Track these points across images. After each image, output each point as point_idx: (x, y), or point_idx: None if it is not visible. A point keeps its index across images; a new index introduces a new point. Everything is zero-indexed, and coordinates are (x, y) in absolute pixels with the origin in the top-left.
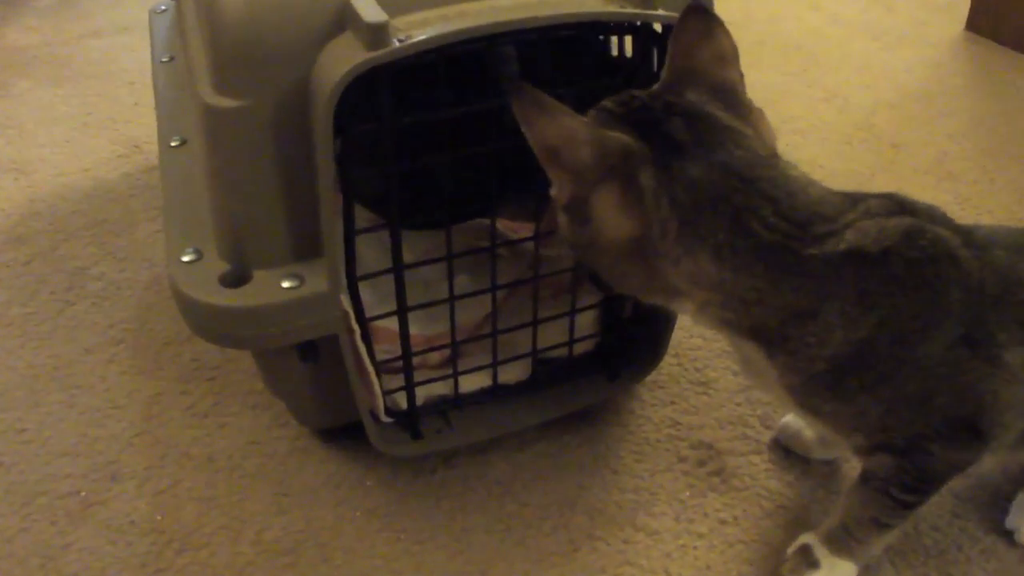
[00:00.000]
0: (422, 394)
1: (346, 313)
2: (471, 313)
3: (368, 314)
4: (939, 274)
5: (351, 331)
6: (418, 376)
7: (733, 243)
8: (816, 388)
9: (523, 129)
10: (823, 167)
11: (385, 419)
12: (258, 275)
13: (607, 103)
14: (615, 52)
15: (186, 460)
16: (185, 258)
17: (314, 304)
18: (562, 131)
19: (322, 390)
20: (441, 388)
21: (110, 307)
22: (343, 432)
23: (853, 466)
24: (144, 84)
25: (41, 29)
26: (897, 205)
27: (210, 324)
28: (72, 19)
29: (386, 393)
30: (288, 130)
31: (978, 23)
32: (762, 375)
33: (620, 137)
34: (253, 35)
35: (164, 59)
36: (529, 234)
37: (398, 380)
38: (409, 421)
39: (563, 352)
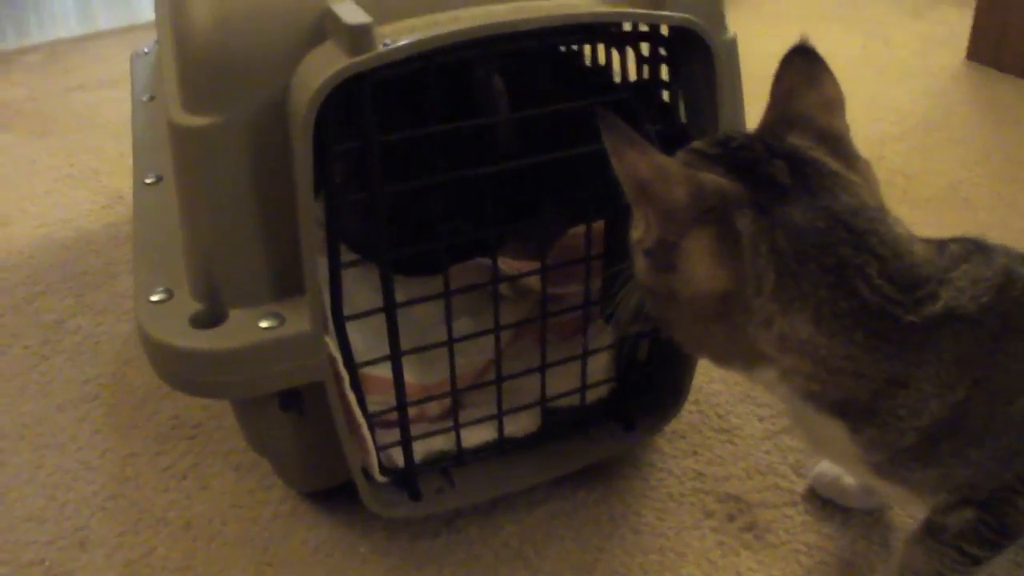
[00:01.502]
0: (421, 450)
1: (332, 358)
2: (472, 359)
3: (358, 360)
4: None
5: (339, 378)
6: (415, 430)
7: (835, 302)
8: (904, 460)
9: (613, 161)
10: None
11: (380, 478)
12: (234, 315)
13: (699, 144)
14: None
15: (161, 526)
16: (154, 298)
17: (296, 346)
18: (654, 167)
19: (309, 447)
20: (441, 443)
21: (86, 362)
22: (334, 494)
23: (899, 514)
24: (129, 135)
25: (27, 83)
26: (975, 246)
27: (180, 370)
28: (58, 73)
29: (380, 449)
30: (265, 150)
31: (978, 52)
32: (839, 453)
33: (716, 178)
34: (223, 44)
35: (144, 98)
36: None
37: (393, 434)
38: (406, 480)
39: (575, 400)
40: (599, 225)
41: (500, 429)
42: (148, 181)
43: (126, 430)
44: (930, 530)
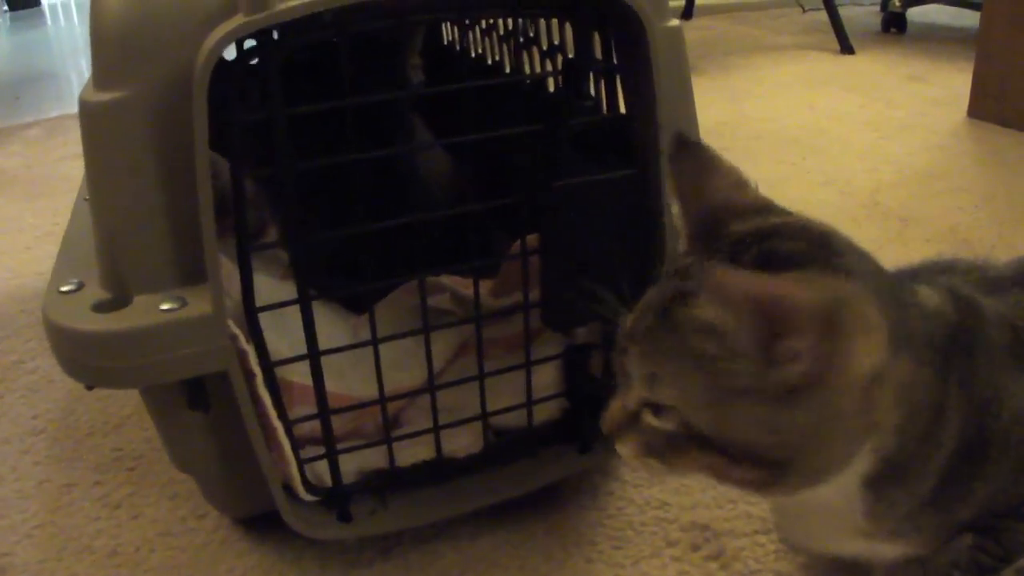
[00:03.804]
0: (352, 468)
1: (243, 352)
2: (411, 373)
3: (274, 359)
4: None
5: (250, 376)
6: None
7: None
8: (915, 515)
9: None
10: None
11: (305, 495)
12: (138, 300)
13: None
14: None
15: (86, 554)
16: (63, 288)
17: (197, 329)
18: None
19: (231, 462)
20: (375, 460)
21: (38, 399)
22: (267, 522)
23: None
24: None
25: (24, 154)
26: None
27: (80, 355)
28: (56, 145)
29: (305, 462)
30: (170, 127)
31: (980, 109)
32: (835, 536)
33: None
34: (131, 18)
35: None
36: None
37: (321, 450)
38: (335, 499)
39: (522, 420)
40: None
41: (437, 445)
42: (87, 198)
43: (68, 462)
44: (919, 559)
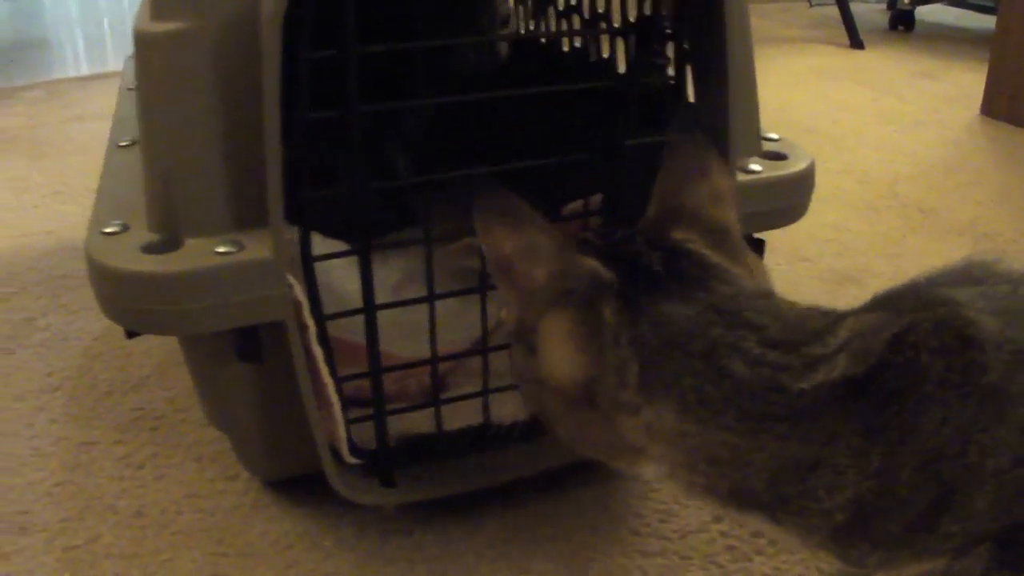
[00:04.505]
0: (396, 431)
1: (298, 303)
2: (458, 335)
3: (327, 312)
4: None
5: (303, 327)
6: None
7: (701, 388)
8: (852, 542)
9: (479, 237)
10: (850, 231)
11: (349, 458)
12: (190, 243)
13: (589, 235)
14: None
15: (110, 514)
16: (107, 230)
17: (254, 274)
18: (521, 243)
19: (272, 418)
20: (420, 425)
21: (52, 357)
22: (300, 486)
23: None
24: None
25: (28, 114)
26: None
27: (126, 298)
28: (58, 107)
29: (351, 423)
30: (233, 61)
31: (993, 107)
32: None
33: (587, 261)
34: None
35: (131, 86)
36: None
37: (367, 411)
38: (379, 463)
39: None
40: (596, 198)
41: (485, 408)
42: (122, 143)
43: (85, 420)
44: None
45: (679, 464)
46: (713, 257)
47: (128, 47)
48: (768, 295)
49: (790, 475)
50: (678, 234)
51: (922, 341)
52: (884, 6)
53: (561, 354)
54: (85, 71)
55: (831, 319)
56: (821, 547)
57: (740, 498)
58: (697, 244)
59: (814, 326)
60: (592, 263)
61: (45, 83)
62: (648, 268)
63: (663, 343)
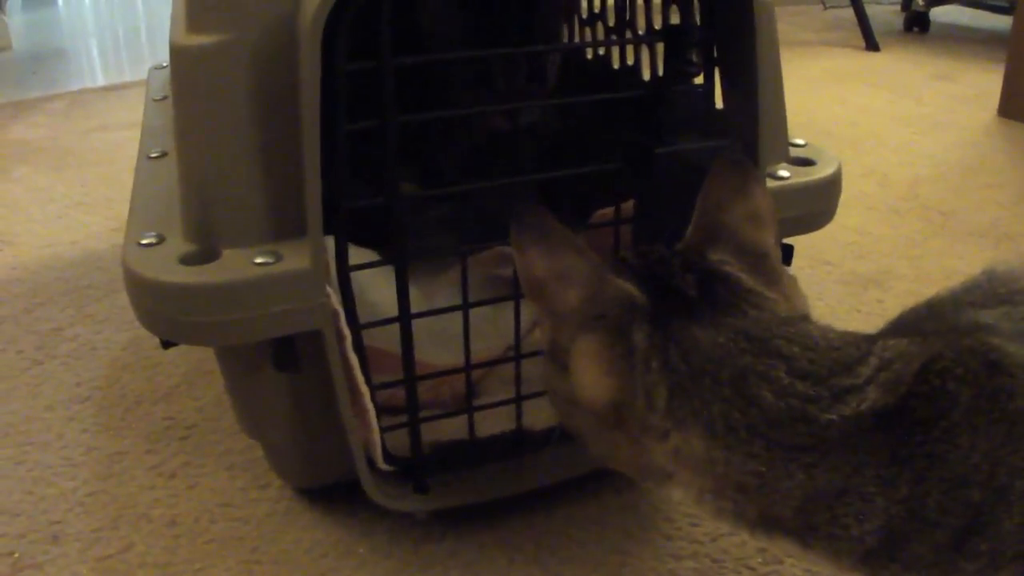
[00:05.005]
0: (430, 438)
1: (335, 312)
2: (490, 342)
3: (363, 321)
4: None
5: (340, 336)
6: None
7: (729, 416)
8: (882, 564)
9: (514, 257)
10: (872, 234)
11: (383, 465)
12: (227, 253)
13: (627, 253)
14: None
15: (143, 523)
16: (144, 241)
17: (292, 285)
18: (555, 265)
19: (307, 427)
20: (453, 431)
21: (81, 367)
22: (333, 493)
23: None
24: None
25: (49, 126)
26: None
27: (164, 309)
28: (81, 118)
29: (385, 430)
30: (270, 73)
31: (1010, 108)
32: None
33: (621, 284)
34: None
35: (157, 97)
36: None
37: (400, 419)
38: (412, 470)
39: None
40: (628, 205)
41: (518, 415)
42: (153, 155)
43: (116, 430)
44: None
45: (707, 490)
46: (748, 281)
47: (143, 56)
48: (802, 319)
49: (818, 503)
50: (715, 255)
51: (949, 370)
52: (899, 8)
53: (592, 377)
54: (102, 82)
55: (861, 349)
56: (853, 570)
57: (769, 525)
58: (733, 267)
59: (844, 356)
60: (626, 286)
61: (66, 94)
62: (681, 291)
63: (693, 369)
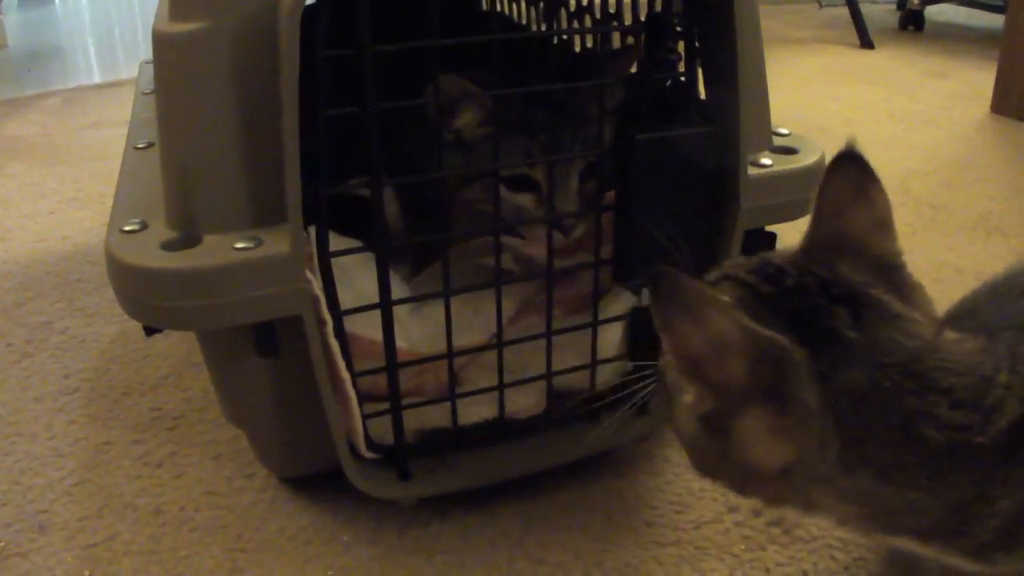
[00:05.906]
0: (413, 426)
1: (316, 297)
2: (473, 332)
3: (344, 308)
4: None
5: (321, 322)
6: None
7: (899, 458)
8: (989, 552)
9: (659, 332)
10: None
11: (366, 453)
12: (208, 239)
13: (746, 274)
14: None
15: (129, 512)
16: (126, 228)
17: (273, 269)
18: (709, 339)
19: (290, 415)
20: (437, 419)
21: (70, 359)
22: (318, 481)
23: None
24: None
25: (42, 123)
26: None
27: (146, 294)
28: (74, 115)
29: (368, 417)
30: (251, 60)
31: (1003, 106)
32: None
33: (776, 340)
34: None
35: (147, 91)
36: (543, 252)
37: (383, 406)
38: (396, 457)
39: (582, 383)
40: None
41: (501, 404)
42: (139, 146)
43: (103, 421)
44: None
45: (855, 515)
46: (896, 305)
47: (139, 54)
48: (943, 339)
49: (953, 514)
50: (853, 274)
51: None
52: (894, 6)
53: (764, 447)
54: (97, 79)
55: (990, 355)
56: (959, 558)
57: (899, 531)
58: (877, 289)
59: (985, 369)
60: (779, 340)
61: (61, 91)
62: (836, 331)
63: (863, 419)
